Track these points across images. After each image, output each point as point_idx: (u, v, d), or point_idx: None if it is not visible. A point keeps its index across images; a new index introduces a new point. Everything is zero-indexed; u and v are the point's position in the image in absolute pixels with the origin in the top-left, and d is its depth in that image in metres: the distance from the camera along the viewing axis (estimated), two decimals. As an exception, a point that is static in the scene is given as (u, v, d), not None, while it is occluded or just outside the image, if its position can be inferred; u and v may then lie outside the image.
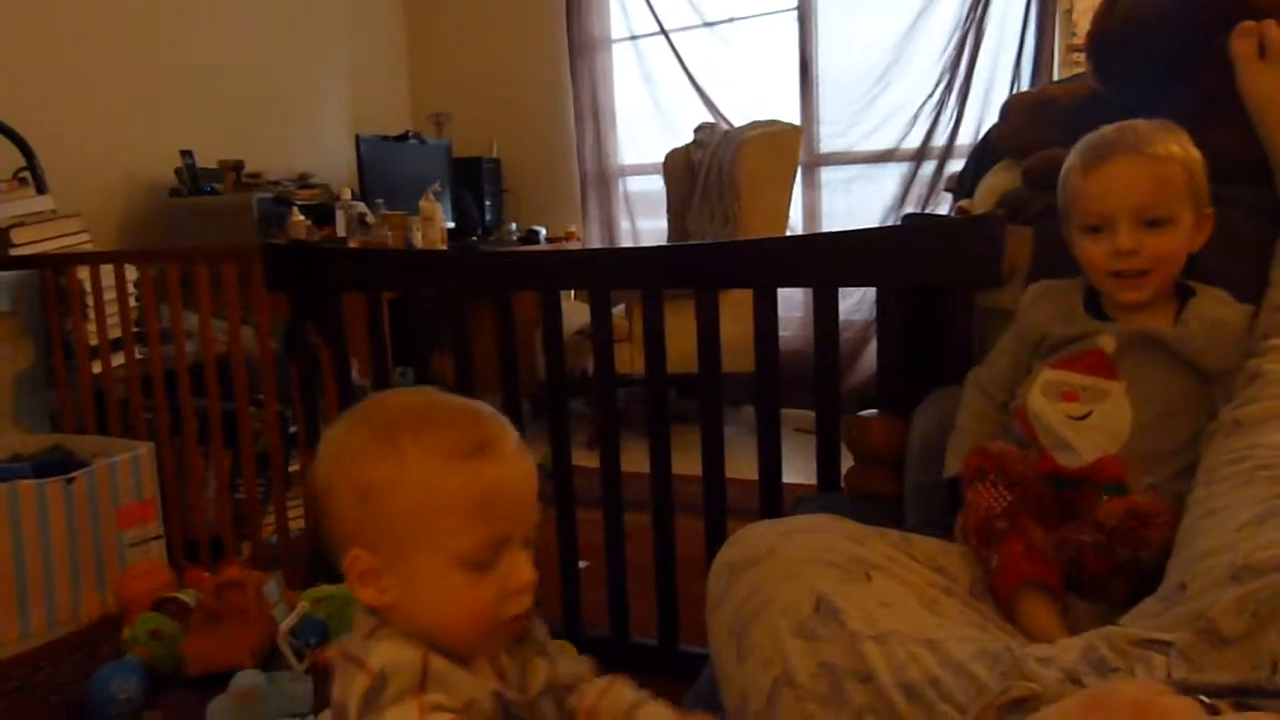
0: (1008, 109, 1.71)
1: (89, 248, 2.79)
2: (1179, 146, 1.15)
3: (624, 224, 4.54)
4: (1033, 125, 1.59)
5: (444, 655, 0.73)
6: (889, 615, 0.86)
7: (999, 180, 1.62)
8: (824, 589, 0.88)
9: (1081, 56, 1.64)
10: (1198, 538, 0.85)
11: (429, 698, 0.70)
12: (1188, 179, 1.14)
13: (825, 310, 1.53)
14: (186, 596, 1.97)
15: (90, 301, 2.53)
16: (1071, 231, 1.21)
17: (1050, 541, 1.05)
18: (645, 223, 4.48)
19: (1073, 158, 1.21)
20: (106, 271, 2.51)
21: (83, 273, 2.52)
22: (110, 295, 2.53)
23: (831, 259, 1.51)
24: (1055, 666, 0.74)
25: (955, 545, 1.10)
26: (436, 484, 0.73)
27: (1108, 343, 1.14)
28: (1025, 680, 0.72)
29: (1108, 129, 1.19)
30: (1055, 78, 3.43)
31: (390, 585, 0.75)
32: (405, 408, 0.78)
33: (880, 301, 1.54)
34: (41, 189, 2.86)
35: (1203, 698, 0.47)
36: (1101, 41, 1.45)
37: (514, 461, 0.76)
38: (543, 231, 4.41)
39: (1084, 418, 1.11)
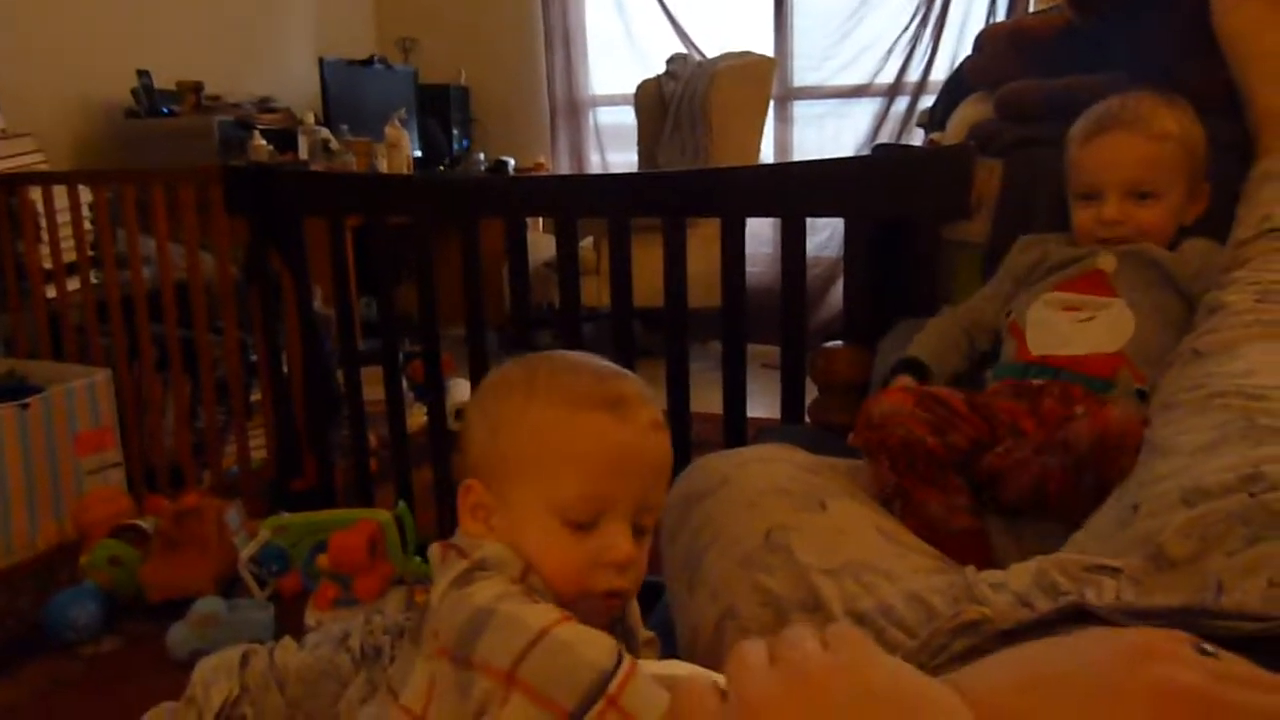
0: (982, 40, 1.69)
1: (43, 169, 2.71)
2: (1177, 124, 1.18)
3: (594, 156, 4.48)
4: (1006, 57, 1.57)
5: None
6: (845, 544, 0.86)
7: (971, 112, 1.60)
8: (776, 520, 0.88)
9: (1058, -11, 1.62)
10: (1152, 460, 0.85)
11: (521, 586, 0.69)
12: (1183, 156, 1.18)
13: (793, 242, 1.51)
14: (145, 524, 1.96)
15: (43, 224, 2.46)
16: (1068, 196, 1.24)
17: (956, 499, 1.03)
18: (615, 155, 4.43)
19: (1076, 126, 1.23)
20: (60, 194, 2.44)
21: (35, 194, 2.45)
22: (64, 218, 2.46)
23: (800, 188, 1.49)
24: (1007, 591, 0.74)
25: None
26: (553, 425, 0.72)
27: (1107, 261, 1.16)
28: (977, 604, 0.72)
29: (1114, 100, 1.22)
30: (1031, 10, 3.40)
31: (497, 524, 0.74)
32: (559, 356, 0.78)
33: (848, 232, 1.53)
34: (-10, 106, 2.77)
35: (1205, 645, 0.47)
36: (1078, -30, 1.43)
37: (642, 431, 0.74)
38: (511, 162, 4.34)
39: (1088, 321, 1.13)
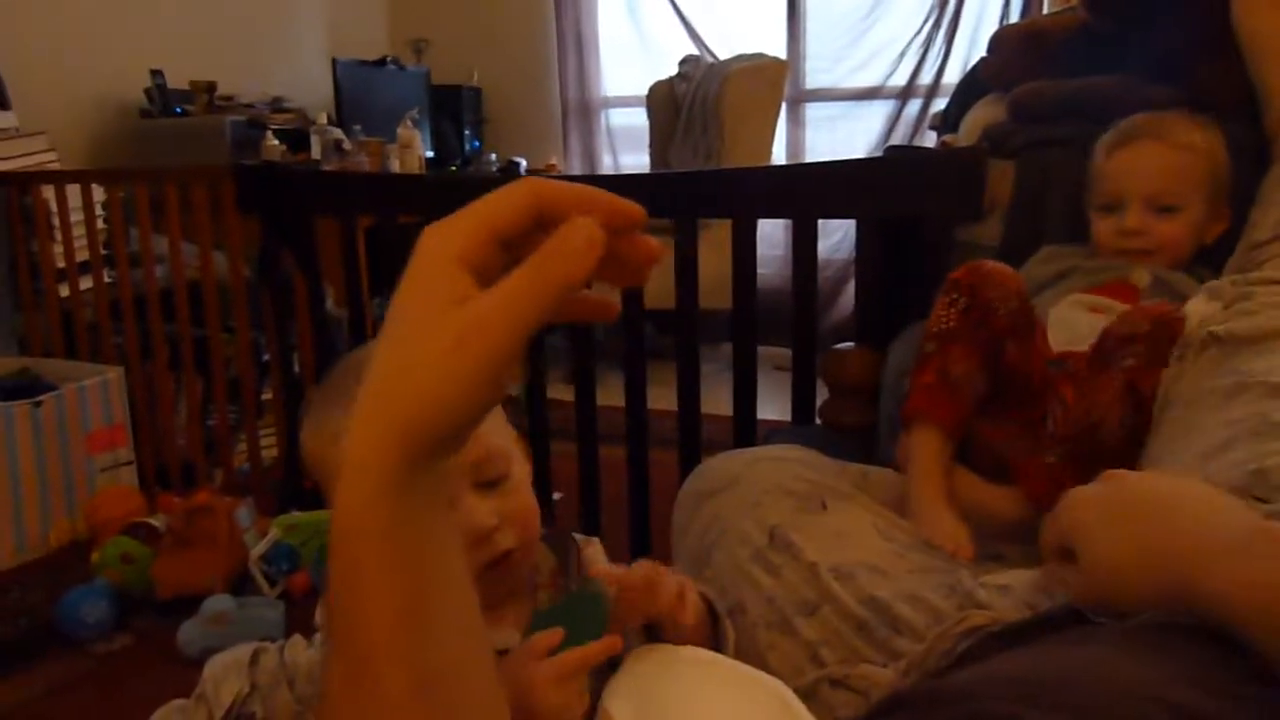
0: (996, 42, 1.68)
1: (56, 168, 2.72)
2: (1203, 138, 1.19)
3: (606, 158, 4.48)
4: (1020, 58, 1.57)
5: None
6: (843, 545, 0.86)
7: (984, 114, 1.60)
8: (778, 520, 0.88)
9: (1073, -10, 1.61)
10: (1165, 460, 0.85)
11: None
12: (1206, 170, 1.19)
13: (804, 243, 1.51)
14: (157, 521, 1.96)
15: (57, 223, 2.47)
16: (1089, 209, 1.25)
17: (976, 374, 1.06)
18: (627, 157, 4.42)
19: (1103, 138, 1.24)
20: (74, 193, 2.45)
21: (48, 192, 2.46)
22: (78, 217, 2.47)
23: (812, 190, 1.49)
24: (1012, 595, 0.74)
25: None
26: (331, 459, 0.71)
27: (1140, 276, 1.17)
28: (980, 608, 0.72)
29: (1140, 116, 1.23)
30: (1045, 11, 3.38)
31: None
32: (330, 390, 0.76)
33: (860, 234, 1.52)
34: (4, 105, 2.78)
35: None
36: (1093, -30, 1.42)
37: None
38: (523, 163, 4.34)
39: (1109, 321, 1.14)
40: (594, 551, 0.82)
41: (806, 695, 0.73)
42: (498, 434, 0.74)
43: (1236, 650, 0.50)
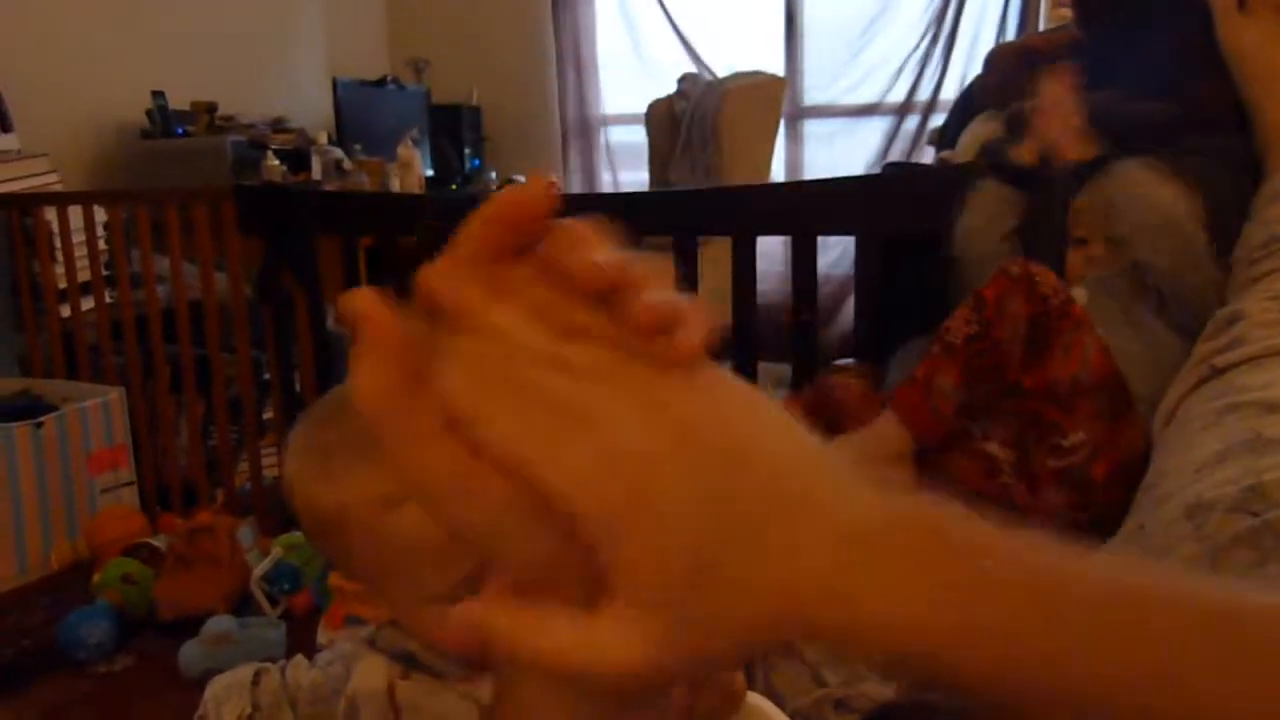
0: (991, 60, 1.70)
1: (57, 189, 2.73)
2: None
3: (605, 176, 4.49)
4: (1016, 75, 1.58)
5: (426, 669, 0.70)
6: None
7: (982, 130, 1.60)
8: None
9: (1068, 9, 1.62)
10: (1160, 479, 0.85)
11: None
12: None
13: (803, 260, 1.52)
14: (158, 542, 1.96)
15: (58, 244, 2.48)
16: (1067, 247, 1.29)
17: (956, 392, 1.07)
18: (627, 175, 4.43)
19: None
20: (75, 214, 2.46)
21: (50, 214, 2.47)
22: (79, 238, 2.48)
23: (811, 207, 1.50)
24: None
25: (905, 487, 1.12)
26: (381, 534, 0.64)
27: (1079, 295, 1.19)
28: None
29: None
30: (1041, 29, 3.40)
31: (382, 609, 0.72)
32: (339, 434, 0.68)
33: (859, 250, 1.53)
34: (6, 127, 2.79)
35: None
36: (1086, -12, 1.44)
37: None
38: (523, 181, 4.35)
39: None
40: None
41: (808, 716, 0.73)
42: None
43: None
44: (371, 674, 0.70)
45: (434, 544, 0.62)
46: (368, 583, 0.70)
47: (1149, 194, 1.19)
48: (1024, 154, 1.31)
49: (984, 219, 1.34)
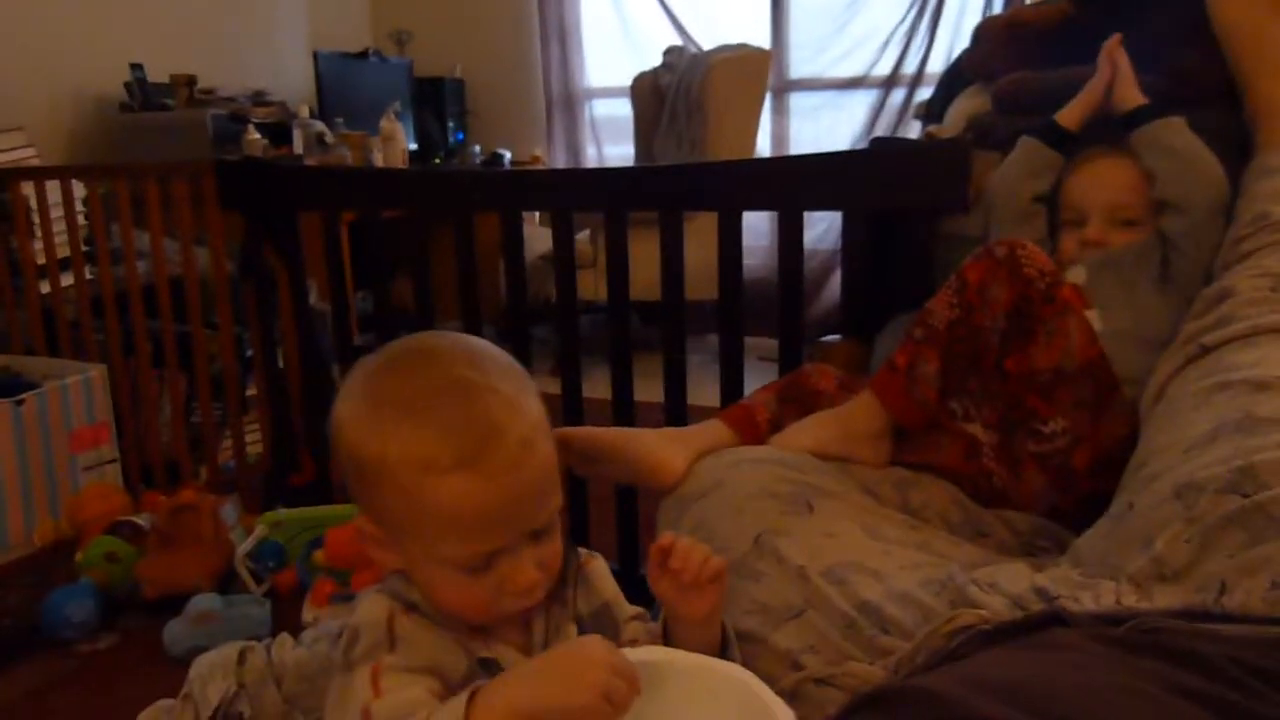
0: (979, 33, 1.68)
1: (34, 163, 2.69)
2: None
3: (590, 149, 4.46)
4: (1003, 49, 1.57)
5: (425, 616, 0.72)
6: (832, 546, 0.86)
7: (969, 105, 1.60)
8: (764, 525, 0.89)
9: (1056, -20, 1.61)
10: (1149, 458, 0.85)
11: (386, 659, 0.68)
12: None
13: (790, 235, 1.51)
14: (142, 520, 1.95)
15: (37, 219, 2.45)
16: (1055, 230, 1.28)
17: (936, 378, 1.08)
18: (612, 149, 4.41)
19: (1070, 160, 1.28)
20: (53, 188, 2.42)
21: (27, 189, 2.44)
22: (58, 213, 2.45)
23: (797, 182, 1.48)
24: (999, 593, 0.74)
25: (892, 470, 1.11)
26: (414, 491, 0.67)
27: (1076, 274, 1.20)
28: (971, 607, 0.72)
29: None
30: (1028, 1, 3.38)
31: (395, 558, 0.73)
32: (395, 386, 0.70)
33: (846, 225, 1.52)
34: (-18, 101, 2.75)
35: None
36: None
37: (508, 470, 0.67)
38: (507, 155, 4.32)
39: None
40: (597, 566, 0.82)
41: (791, 695, 0.73)
42: (557, 493, 0.73)
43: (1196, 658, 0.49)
44: (374, 607, 0.72)
45: (464, 519, 0.67)
46: (390, 531, 0.72)
47: (1188, 137, 1.19)
48: (1068, 117, 1.28)
49: (1021, 172, 1.32)
